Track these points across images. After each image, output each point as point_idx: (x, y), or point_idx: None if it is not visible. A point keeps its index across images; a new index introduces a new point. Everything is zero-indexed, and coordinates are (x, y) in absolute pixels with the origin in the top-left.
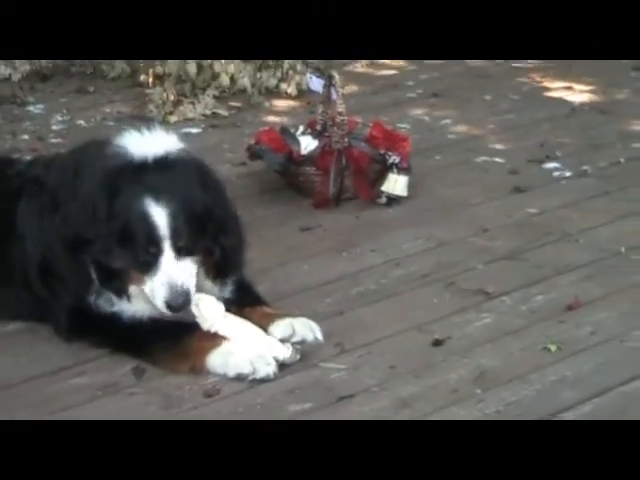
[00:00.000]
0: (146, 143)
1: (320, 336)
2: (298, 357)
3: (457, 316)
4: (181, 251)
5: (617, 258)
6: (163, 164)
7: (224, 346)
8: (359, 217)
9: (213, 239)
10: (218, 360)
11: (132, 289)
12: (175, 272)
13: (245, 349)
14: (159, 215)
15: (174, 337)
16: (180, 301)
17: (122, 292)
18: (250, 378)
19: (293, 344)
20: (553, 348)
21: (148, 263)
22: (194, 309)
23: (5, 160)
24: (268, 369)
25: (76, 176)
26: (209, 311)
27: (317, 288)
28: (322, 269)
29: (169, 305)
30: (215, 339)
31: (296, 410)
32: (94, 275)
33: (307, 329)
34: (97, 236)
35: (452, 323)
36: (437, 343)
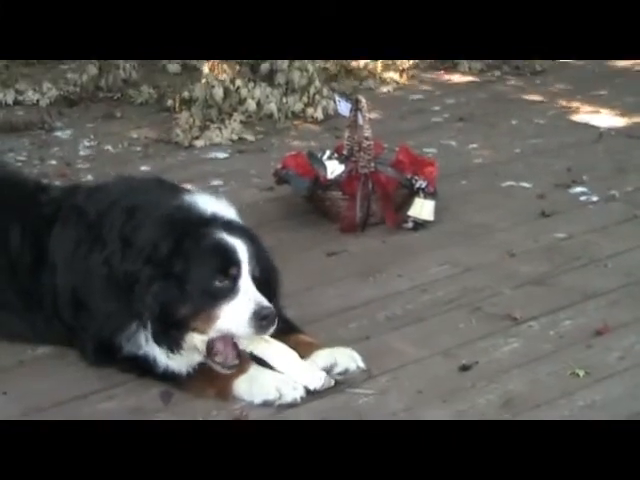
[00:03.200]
0: (210, 204)
1: (362, 364)
2: (332, 383)
3: (484, 341)
4: (254, 280)
5: None
6: (228, 221)
7: (250, 372)
8: (385, 242)
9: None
10: (243, 386)
11: (188, 340)
12: (256, 291)
13: (271, 374)
14: (237, 242)
15: (199, 363)
16: (268, 312)
17: (178, 343)
18: (277, 403)
19: (336, 374)
20: (581, 373)
21: (226, 289)
22: None
23: (38, 185)
24: (295, 394)
25: (130, 217)
26: None
27: (343, 313)
28: (348, 294)
29: (260, 316)
30: (241, 364)
31: None
32: (149, 328)
33: (349, 359)
34: (156, 275)
35: (479, 348)
36: (464, 368)
